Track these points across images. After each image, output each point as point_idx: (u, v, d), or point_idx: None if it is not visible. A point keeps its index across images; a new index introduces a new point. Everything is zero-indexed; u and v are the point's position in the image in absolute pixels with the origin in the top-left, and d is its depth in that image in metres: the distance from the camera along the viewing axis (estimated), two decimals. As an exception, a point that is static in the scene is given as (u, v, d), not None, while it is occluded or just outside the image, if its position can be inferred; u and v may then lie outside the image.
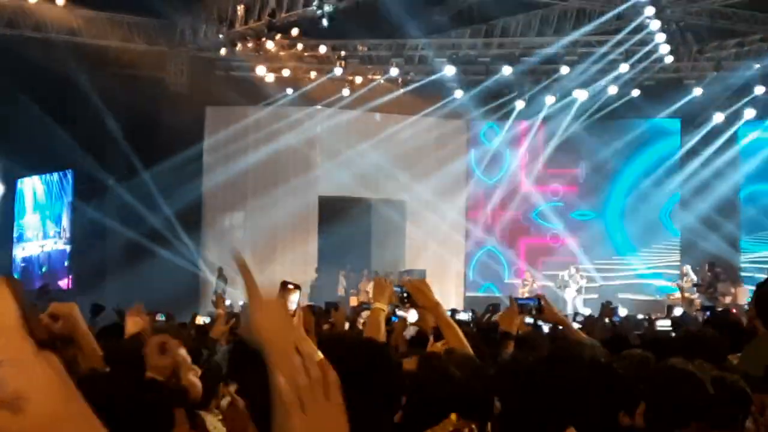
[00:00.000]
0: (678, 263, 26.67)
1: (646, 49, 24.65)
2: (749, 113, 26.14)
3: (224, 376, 5.21)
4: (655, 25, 23.34)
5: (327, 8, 22.06)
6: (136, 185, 26.01)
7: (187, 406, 3.67)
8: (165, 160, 25.12)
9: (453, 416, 3.33)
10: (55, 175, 29.88)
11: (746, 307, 16.77)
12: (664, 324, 12.49)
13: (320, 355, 1.75)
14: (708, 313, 12.32)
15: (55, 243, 29.87)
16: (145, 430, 2.90)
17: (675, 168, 27.44)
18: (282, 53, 26.19)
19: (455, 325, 4.88)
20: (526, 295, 25.85)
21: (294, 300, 5.08)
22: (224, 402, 4.98)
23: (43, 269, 30.00)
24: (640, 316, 17.73)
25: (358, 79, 27.39)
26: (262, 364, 1.63)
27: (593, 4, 24.32)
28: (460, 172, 29.60)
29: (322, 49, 26.02)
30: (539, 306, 5.88)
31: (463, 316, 11.17)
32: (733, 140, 26.67)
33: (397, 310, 7.95)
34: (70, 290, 27.30)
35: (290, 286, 5.08)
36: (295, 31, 24.37)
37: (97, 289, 25.64)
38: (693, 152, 26.88)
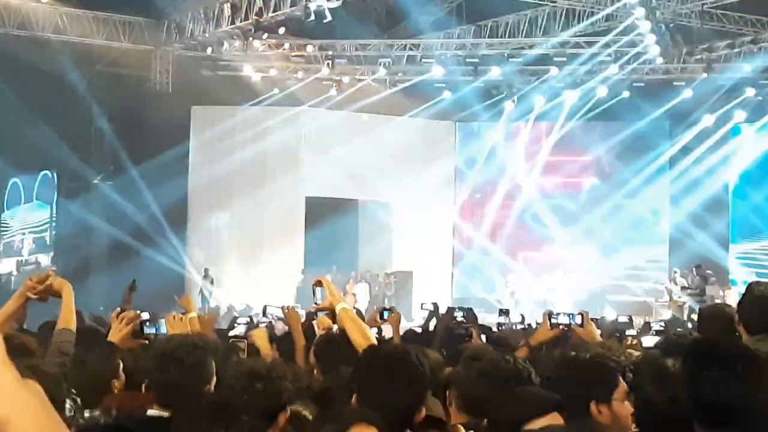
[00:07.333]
0: (666, 263, 26.62)
1: (636, 50, 24.58)
2: (740, 115, 26.16)
3: None
4: (645, 26, 23.23)
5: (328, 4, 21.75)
6: (121, 184, 25.83)
7: None
8: (150, 160, 24.90)
9: None
10: (40, 174, 29.59)
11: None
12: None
13: None
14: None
15: (39, 242, 29.60)
16: None
17: (665, 169, 27.42)
18: (269, 53, 26.06)
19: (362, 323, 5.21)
20: (508, 297, 25.78)
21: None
22: None
23: (27, 268, 29.68)
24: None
25: (346, 79, 27.27)
26: None
27: (583, 5, 24.22)
28: (448, 172, 29.54)
29: (309, 48, 25.91)
30: (581, 323, 5.84)
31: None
32: (722, 142, 26.62)
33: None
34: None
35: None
36: (282, 31, 24.21)
37: (81, 289, 25.43)
38: (683, 153, 26.87)
